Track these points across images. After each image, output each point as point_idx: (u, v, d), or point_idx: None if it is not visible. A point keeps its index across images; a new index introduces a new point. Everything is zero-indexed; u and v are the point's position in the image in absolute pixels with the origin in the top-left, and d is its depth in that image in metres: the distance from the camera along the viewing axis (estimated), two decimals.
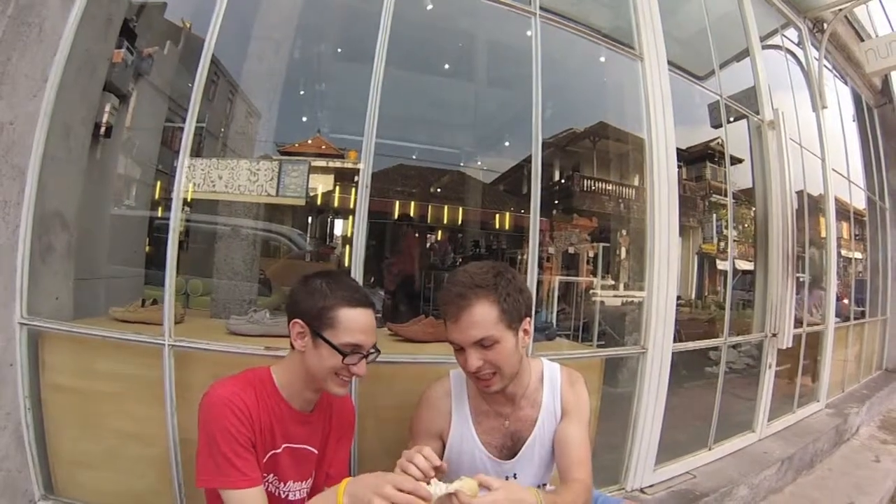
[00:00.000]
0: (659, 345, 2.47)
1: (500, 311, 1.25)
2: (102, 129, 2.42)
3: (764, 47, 3.82)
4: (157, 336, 1.81)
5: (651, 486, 2.55)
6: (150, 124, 3.24)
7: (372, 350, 1.28)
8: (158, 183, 3.37)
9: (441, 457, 1.36)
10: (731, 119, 3.50)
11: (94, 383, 1.87)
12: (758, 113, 3.49)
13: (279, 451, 1.29)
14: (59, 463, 1.90)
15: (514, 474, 1.41)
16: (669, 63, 2.80)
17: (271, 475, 1.29)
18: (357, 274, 1.93)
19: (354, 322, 1.24)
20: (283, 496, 1.30)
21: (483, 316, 1.24)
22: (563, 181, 10.55)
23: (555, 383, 1.46)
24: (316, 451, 1.37)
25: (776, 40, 4.23)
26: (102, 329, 1.87)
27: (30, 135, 1.86)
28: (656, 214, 2.55)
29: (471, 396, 1.43)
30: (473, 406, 1.42)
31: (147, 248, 3.00)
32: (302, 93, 6.09)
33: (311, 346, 1.25)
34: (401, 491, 0.97)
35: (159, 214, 3.41)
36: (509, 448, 1.42)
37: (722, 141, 4.36)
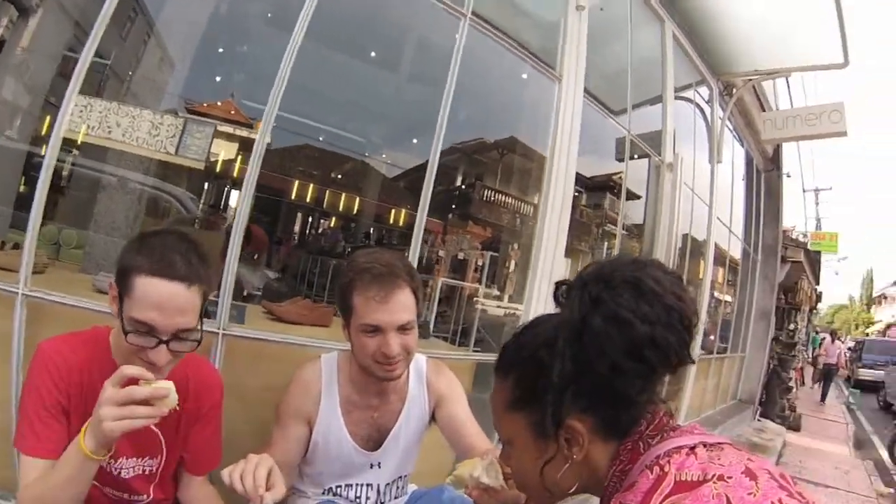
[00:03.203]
0: None
1: (415, 299, 1.29)
2: None
3: (676, 97, 4.18)
4: (12, 283, 1.64)
5: None
6: (49, 49, 2.91)
7: (184, 335, 1.03)
8: (48, 117, 3.05)
9: (308, 443, 1.37)
10: (635, 156, 3.78)
11: None
12: (659, 154, 3.80)
13: None
14: None
15: (379, 463, 1.42)
16: (588, 93, 2.98)
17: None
18: (236, 243, 1.82)
19: (147, 295, 1.00)
20: (114, 472, 1.15)
21: (408, 300, 1.27)
22: (463, 187, 10.55)
23: (420, 374, 1.47)
24: (158, 431, 1.19)
25: (689, 94, 4.64)
26: None
27: None
28: (546, 230, 2.64)
29: (341, 385, 1.40)
30: (344, 395, 1.40)
31: (21, 188, 2.71)
32: (221, 51, 5.73)
33: (117, 309, 1.04)
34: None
35: (42, 153, 3.10)
36: (375, 440, 1.41)
37: (623, 175, 4.67)
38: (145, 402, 0.90)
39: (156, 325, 1.00)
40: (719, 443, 0.66)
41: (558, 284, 0.73)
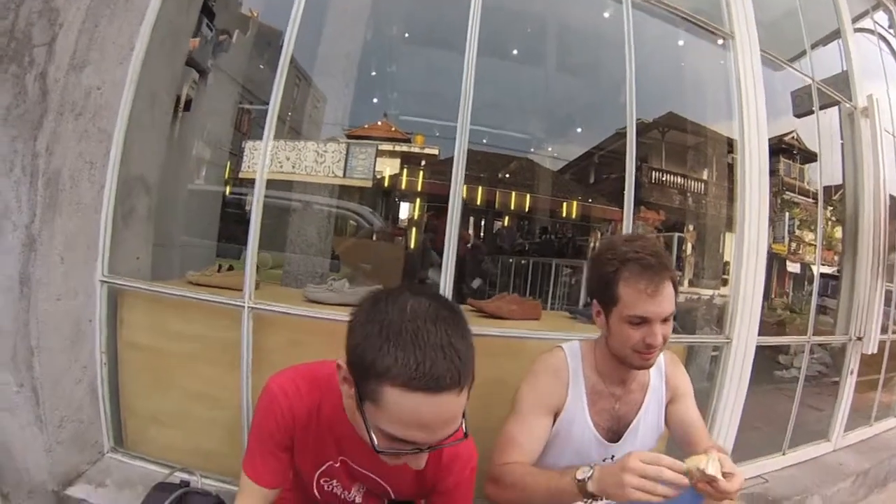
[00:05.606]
0: (744, 336, 2.31)
1: (674, 289, 1.27)
2: (182, 103, 2.48)
3: (854, 30, 3.56)
4: (237, 298, 1.81)
5: None
6: (222, 106, 3.33)
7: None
8: (228, 163, 3.47)
9: (548, 434, 1.35)
10: (814, 109, 3.25)
11: (169, 342, 1.91)
12: (850, 99, 3.24)
13: (336, 463, 1.13)
14: (130, 418, 1.95)
15: (613, 456, 1.37)
16: None
17: (334, 481, 1.16)
18: (449, 267, 1.89)
19: (407, 413, 0.80)
20: (348, 499, 1.18)
21: (672, 291, 1.26)
22: None
23: (660, 365, 1.42)
24: (390, 489, 1.14)
25: (865, 24, 3.94)
26: (183, 289, 1.90)
27: (116, 100, 1.89)
28: (747, 202, 2.37)
29: (586, 375, 1.38)
30: (589, 385, 1.37)
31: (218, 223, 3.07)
32: (374, 74, 6.11)
33: (355, 404, 0.88)
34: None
35: (227, 192, 3.52)
36: (615, 431, 1.39)
37: (797, 135, 4.02)
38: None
39: (416, 441, 0.84)
40: None
41: None
